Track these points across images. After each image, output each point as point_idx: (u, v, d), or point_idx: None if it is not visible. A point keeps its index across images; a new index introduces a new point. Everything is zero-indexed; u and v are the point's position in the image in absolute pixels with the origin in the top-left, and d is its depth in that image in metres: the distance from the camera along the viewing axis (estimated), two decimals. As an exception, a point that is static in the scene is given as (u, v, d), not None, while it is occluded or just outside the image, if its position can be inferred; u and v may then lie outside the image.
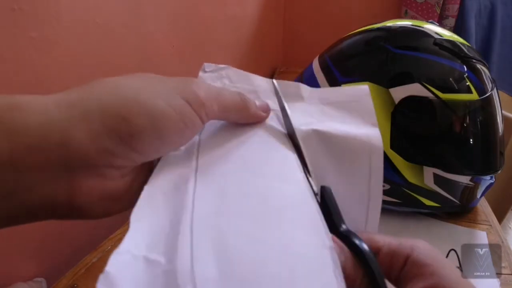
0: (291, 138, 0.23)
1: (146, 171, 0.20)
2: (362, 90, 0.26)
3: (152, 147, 0.18)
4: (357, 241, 0.17)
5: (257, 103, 0.24)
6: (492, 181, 0.53)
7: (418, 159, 0.47)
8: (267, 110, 0.25)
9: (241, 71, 0.29)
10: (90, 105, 0.16)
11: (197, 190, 0.18)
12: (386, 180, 0.50)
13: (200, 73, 0.29)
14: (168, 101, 0.18)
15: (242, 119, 0.23)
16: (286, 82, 0.27)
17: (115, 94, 0.17)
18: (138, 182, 0.20)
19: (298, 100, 0.27)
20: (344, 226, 0.18)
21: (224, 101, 0.21)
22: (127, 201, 0.19)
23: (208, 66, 0.29)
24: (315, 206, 0.18)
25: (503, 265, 0.45)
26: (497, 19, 1.11)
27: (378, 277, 0.16)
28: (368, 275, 0.16)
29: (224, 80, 0.28)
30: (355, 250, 0.17)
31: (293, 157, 0.22)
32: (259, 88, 0.28)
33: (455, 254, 0.41)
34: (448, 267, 0.18)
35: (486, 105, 0.47)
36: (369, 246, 0.17)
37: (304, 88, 0.27)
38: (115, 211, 0.19)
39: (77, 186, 0.17)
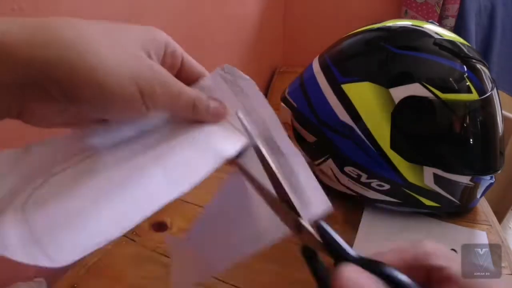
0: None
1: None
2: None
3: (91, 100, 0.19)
4: (388, 271, 0.15)
5: (212, 104, 0.23)
6: (492, 181, 0.53)
7: (418, 159, 0.47)
8: (219, 114, 0.24)
9: (262, 96, 0.25)
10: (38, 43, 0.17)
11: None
12: (386, 180, 0.50)
13: (217, 69, 0.26)
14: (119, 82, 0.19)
15: (183, 113, 0.23)
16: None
17: (70, 48, 0.18)
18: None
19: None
20: (353, 252, 0.16)
21: (169, 86, 0.21)
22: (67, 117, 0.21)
23: (228, 68, 0.26)
24: None
25: (503, 265, 0.45)
26: (497, 19, 1.11)
27: None
28: None
29: (236, 88, 0.25)
30: (388, 280, 0.15)
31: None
32: (270, 120, 0.24)
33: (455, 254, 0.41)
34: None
35: (486, 105, 0.47)
36: (403, 274, 0.15)
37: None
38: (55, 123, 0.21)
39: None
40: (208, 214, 0.28)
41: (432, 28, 0.50)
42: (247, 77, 0.25)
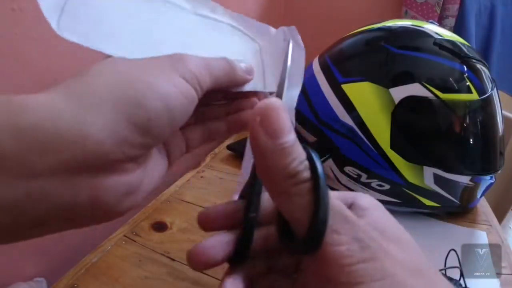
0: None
1: (155, 157, 0.21)
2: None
3: (166, 128, 0.18)
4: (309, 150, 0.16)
5: (243, 65, 0.24)
6: (492, 181, 0.53)
7: (418, 159, 0.47)
8: (251, 72, 0.25)
9: (302, 70, 0.26)
10: (100, 95, 0.16)
11: None
12: (386, 180, 0.50)
13: (284, 27, 0.28)
14: (171, 81, 0.18)
15: (230, 84, 0.23)
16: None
17: (124, 80, 0.17)
18: (149, 169, 0.20)
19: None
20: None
21: (214, 71, 0.21)
22: (145, 190, 0.19)
23: (292, 30, 0.27)
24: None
25: (503, 265, 0.45)
26: (497, 19, 1.11)
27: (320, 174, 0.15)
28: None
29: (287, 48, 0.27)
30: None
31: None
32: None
33: (455, 254, 0.41)
34: (386, 214, 0.18)
35: (486, 105, 0.47)
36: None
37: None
38: (136, 203, 0.19)
39: (100, 186, 0.16)
40: None
41: (432, 28, 0.50)
42: (302, 45, 0.27)
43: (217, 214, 0.19)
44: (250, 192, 0.19)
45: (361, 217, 0.17)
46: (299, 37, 0.27)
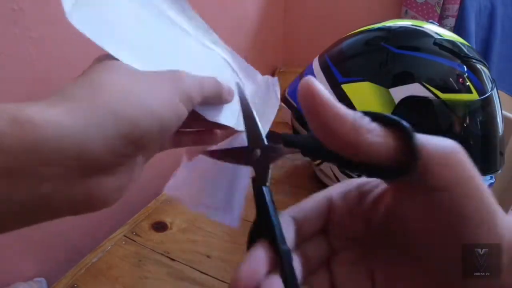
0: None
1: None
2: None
3: (156, 142, 0.21)
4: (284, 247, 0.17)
5: (227, 86, 0.27)
6: (492, 181, 0.53)
7: (418, 159, 0.47)
8: (232, 94, 0.28)
9: (273, 115, 0.30)
10: (103, 113, 0.18)
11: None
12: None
13: (268, 76, 0.31)
14: (168, 105, 0.21)
15: (216, 102, 0.26)
16: None
17: (125, 101, 0.19)
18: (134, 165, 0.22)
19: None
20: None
21: (206, 91, 0.24)
22: (130, 183, 0.21)
23: (274, 80, 0.31)
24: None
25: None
26: (497, 19, 1.11)
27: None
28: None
29: (266, 96, 0.30)
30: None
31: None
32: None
33: (455, 254, 0.41)
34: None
35: (486, 105, 0.47)
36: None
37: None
38: (125, 194, 0.21)
39: (95, 188, 0.18)
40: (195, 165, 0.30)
41: (432, 28, 0.50)
42: (279, 97, 0.30)
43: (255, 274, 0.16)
44: (271, 227, 0.18)
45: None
46: (278, 89, 0.30)
